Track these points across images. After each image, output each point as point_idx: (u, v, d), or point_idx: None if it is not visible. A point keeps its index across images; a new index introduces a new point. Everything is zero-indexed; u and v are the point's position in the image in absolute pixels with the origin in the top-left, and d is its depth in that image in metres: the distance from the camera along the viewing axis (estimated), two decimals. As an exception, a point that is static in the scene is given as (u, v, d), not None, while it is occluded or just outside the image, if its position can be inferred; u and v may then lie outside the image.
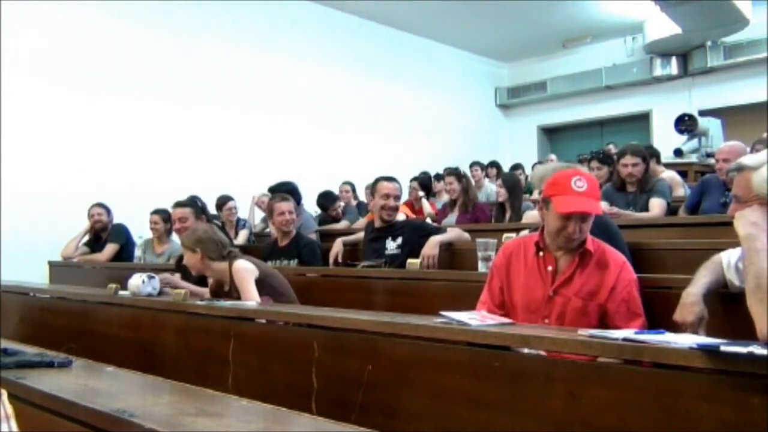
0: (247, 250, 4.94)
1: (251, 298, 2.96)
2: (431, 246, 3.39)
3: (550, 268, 2.20)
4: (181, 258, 4.11)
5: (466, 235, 3.63)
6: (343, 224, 5.91)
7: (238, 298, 3.01)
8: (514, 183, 4.94)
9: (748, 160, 1.84)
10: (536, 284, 2.21)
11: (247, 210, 6.51)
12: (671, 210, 4.21)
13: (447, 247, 3.51)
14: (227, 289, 3.16)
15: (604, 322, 2.08)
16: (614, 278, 2.12)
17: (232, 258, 3.14)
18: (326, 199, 6.20)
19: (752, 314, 1.62)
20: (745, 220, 1.74)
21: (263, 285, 3.06)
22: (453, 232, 3.64)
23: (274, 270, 3.31)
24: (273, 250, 4.14)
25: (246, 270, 3.06)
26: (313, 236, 4.65)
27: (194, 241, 3.17)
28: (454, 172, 5.35)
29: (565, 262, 2.20)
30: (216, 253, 3.14)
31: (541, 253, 2.24)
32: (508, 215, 4.81)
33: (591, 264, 2.16)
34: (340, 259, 3.99)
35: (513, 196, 4.80)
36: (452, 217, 5.15)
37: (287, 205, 4.05)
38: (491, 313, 2.21)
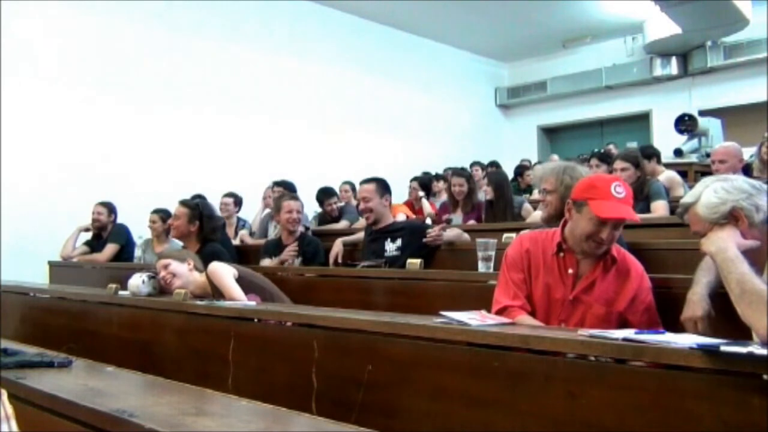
0: (246, 248, 4.97)
1: (235, 293, 2.93)
2: (440, 232, 3.46)
3: (570, 270, 2.13)
4: None
5: (466, 236, 3.64)
6: (342, 224, 5.91)
7: None
8: (500, 180, 4.91)
9: (687, 198, 1.94)
10: (556, 286, 2.14)
11: (247, 210, 6.49)
12: (671, 210, 4.21)
13: (447, 247, 3.52)
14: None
15: None
16: (635, 287, 2.09)
17: (205, 268, 3.18)
18: (323, 194, 6.17)
19: (746, 319, 1.63)
20: (710, 239, 1.82)
21: (243, 282, 3.04)
22: (453, 232, 3.64)
23: (247, 268, 3.30)
24: (278, 246, 4.14)
25: (222, 268, 3.06)
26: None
27: (182, 252, 3.37)
28: (464, 174, 5.32)
29: (587, 266, 2.13)
30: (201, 266, 3.23)
31: (561, 254, 2.17)
32: (497, 213, 4.77)
33: (613, 270, 2.12)
34: (340, 259, 3.99)
35: (500, 194, 4.76)
36: (459, 218, 5.14)
37: (296, 204, 4.11)
38: (523, 308, 2.14)
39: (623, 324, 2.04)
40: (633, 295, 2.08)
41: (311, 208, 6.38)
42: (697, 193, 1.90)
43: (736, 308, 1.66)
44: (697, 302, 1.91)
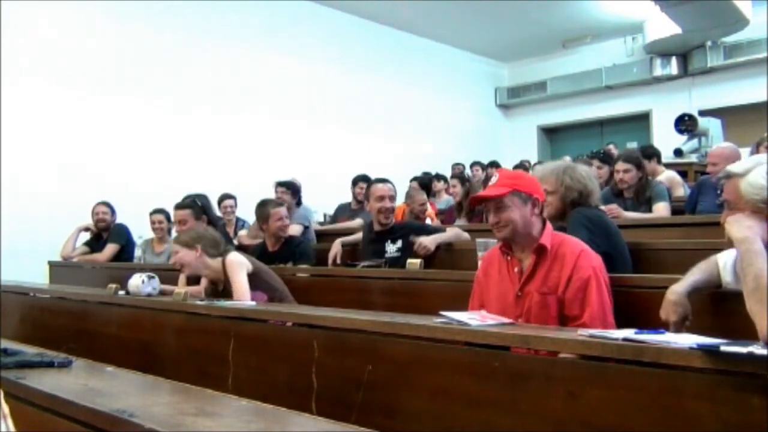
0: (245, 248, 4.96)
1: (241, 289, 2.96)
2: (430, 240, 3.45)
3: (516, 269, 2.24)
4: None
5: (466, 235, 3.63)
6: (357, 222, 5.86)
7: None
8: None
9: (735, 167, 1.85)
10: (507, 287, 2.24)
11: (247, 210, 6.49)
12: (672, 210, 4.21)
13: (447, 247, 3.51)
14: (221, 288, 3.17)
15: (563, 313, 2.09)
16: (571, 267, 2.13)
17: (226, 253, 3.17)
18: (360, 179, 6.08)
19: (752, 315, 1.62)
20: (739, 225, 1.75)
21: (256, 280, 3.07)
22: (452, 232, 3.64)
23: (266, 267, 3.31)
24: (263, 255, 4.08)
25: (238, 262, 3.10)
26: (297, 228, 4.68)
27: (194, 237, 3.20)
28: (458, 176, 5.30)
29: (527, 261, 2.23)
30: (214, 250, 3.18)
31: (508, 257, 2.28)
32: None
33: (548, 258, 2.18)
34: (338, 260, 3.99)
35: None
36: (462, 222, 5.11)
37: (284, 210, 4.09)
38: None
39: (562, 306, 2.10)
40: (569, 275, 2.12)
41: (311, 208, 6.37)
42: (748, 167, 1.81)
43: (745, 301, 1.65)
44: (671, 304, 1.89)
